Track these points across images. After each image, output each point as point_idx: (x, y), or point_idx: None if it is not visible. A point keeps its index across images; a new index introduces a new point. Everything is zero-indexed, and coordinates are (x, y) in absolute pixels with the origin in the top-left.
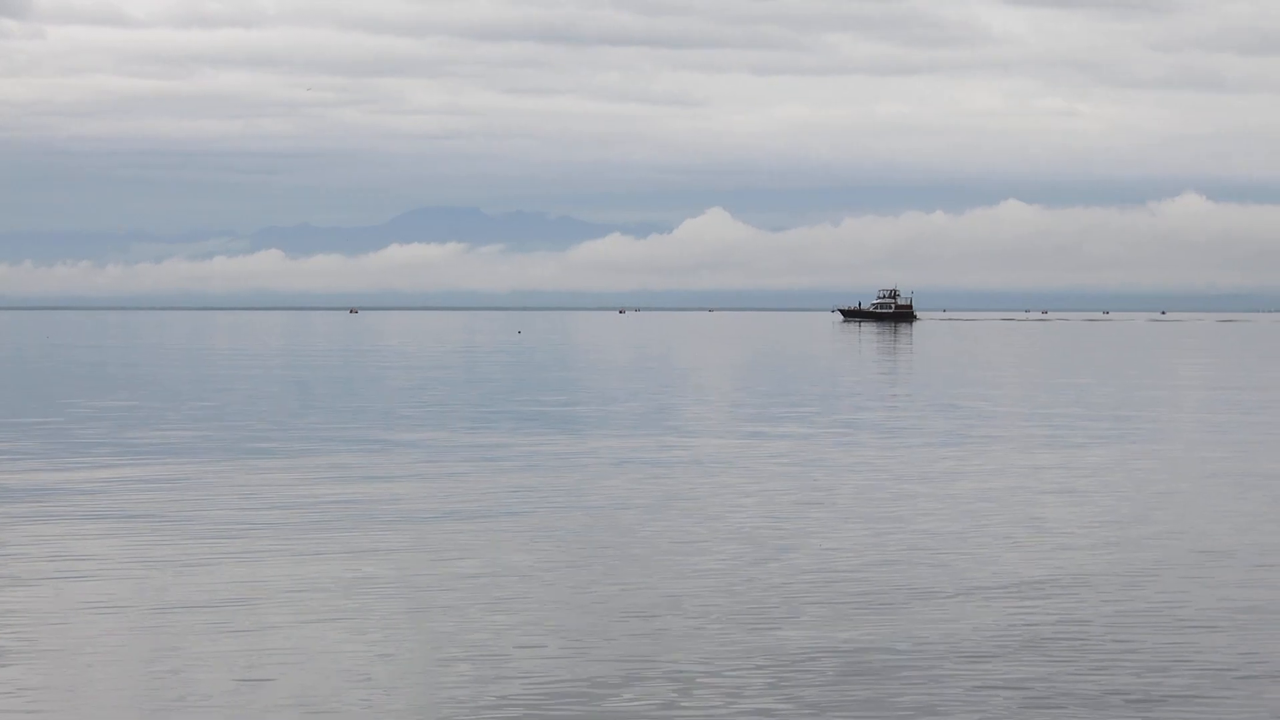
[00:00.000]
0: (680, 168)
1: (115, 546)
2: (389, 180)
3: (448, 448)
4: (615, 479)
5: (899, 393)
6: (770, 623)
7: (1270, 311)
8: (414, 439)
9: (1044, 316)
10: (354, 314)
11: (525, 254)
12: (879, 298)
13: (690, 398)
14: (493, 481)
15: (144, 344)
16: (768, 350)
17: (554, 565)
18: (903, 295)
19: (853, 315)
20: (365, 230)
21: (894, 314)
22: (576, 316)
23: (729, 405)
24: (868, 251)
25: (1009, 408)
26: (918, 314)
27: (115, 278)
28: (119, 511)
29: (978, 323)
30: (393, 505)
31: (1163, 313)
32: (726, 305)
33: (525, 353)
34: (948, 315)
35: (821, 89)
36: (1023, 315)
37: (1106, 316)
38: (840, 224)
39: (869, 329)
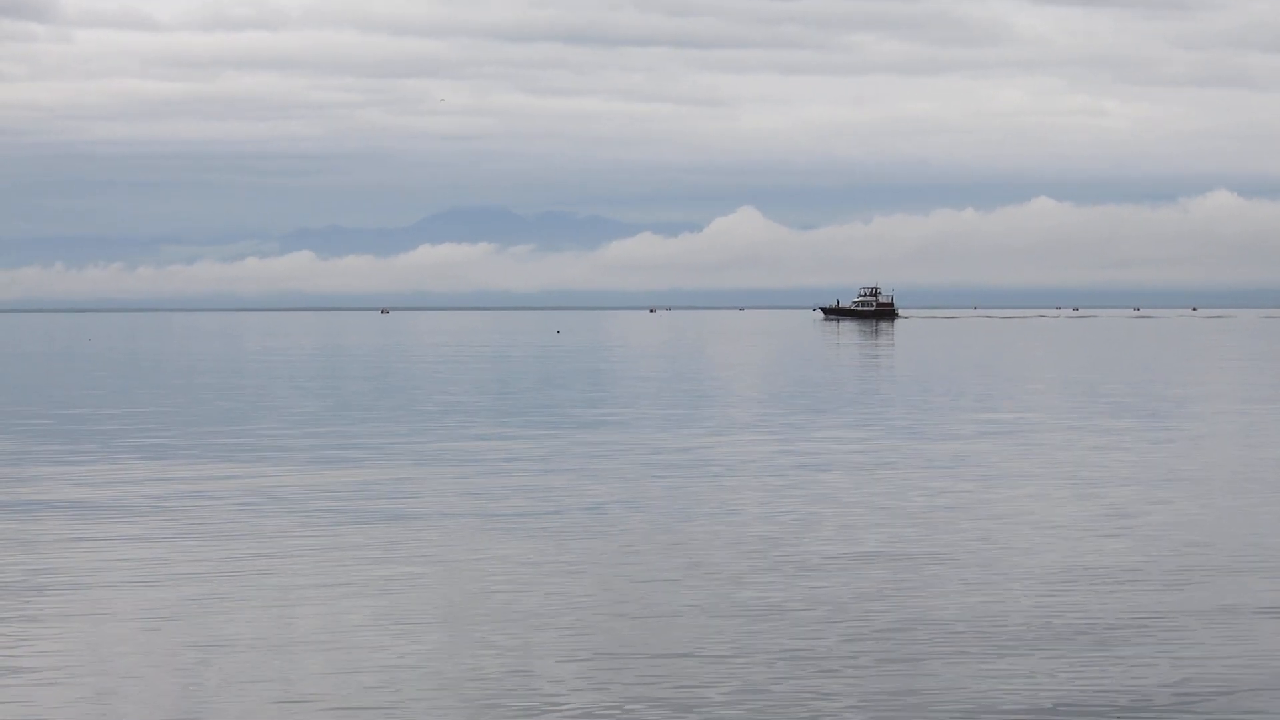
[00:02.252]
0: (709, 167)
1: (143, 550)
2: (418, 181)
3: (513, 452)
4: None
5: (862, 394)
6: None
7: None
8: (479, 443)
9: (1075, 314)
10: (385, 314)
11: (556, 253)
12: (860, 295)
13: (699, 397)
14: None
15: (191, 345)
16: (751, 349)
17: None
18: (884, 293)
19: (833, 313)
20: (395, 231)
21: (875, 312)
22: (608, 316)
23: (745, 405)
24: (898, 249)
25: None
26: (900, 311)
27: (146, 280)
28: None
29: (959, 320)
30: (444, 517)
31: (1194, 309)
32: (756, 304)
33: (573, 351)
34: (979, 312)
35: (848, 88)
36: (1054, 312)
37: (1138, 314)
38: (870, 222)
39: (849, 327)
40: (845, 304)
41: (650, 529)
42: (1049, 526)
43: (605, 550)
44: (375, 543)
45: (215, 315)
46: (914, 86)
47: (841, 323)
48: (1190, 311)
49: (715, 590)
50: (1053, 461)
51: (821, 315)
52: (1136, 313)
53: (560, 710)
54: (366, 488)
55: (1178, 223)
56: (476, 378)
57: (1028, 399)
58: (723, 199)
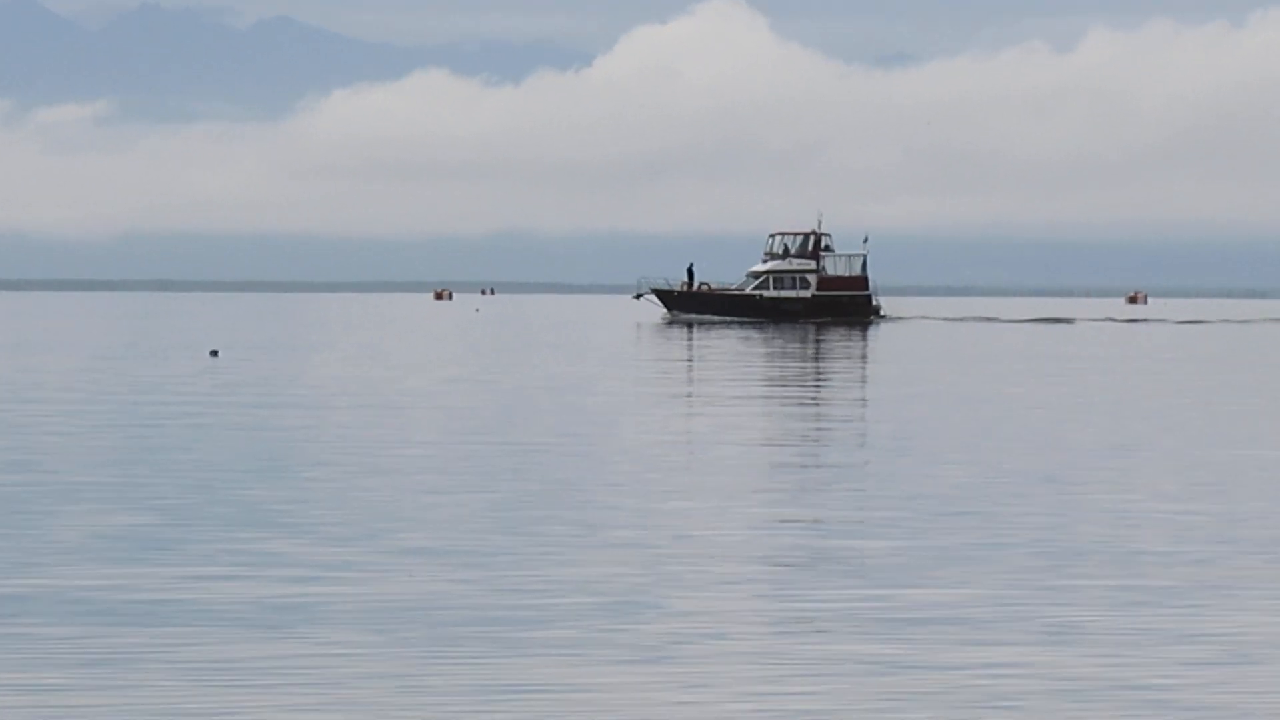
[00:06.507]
0: None
1: None
2: None
3: None
4: None
5: None
6: None
7: None
8: None
9: None
10: None
11: (150, 125)
12: (768, 254)
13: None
14: None
15: None
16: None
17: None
18: (832, 249)
19: (682, 304)
20: None
21: (811, 302)
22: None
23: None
24: None
25: None
26: (883, 306)
27: None
28: None
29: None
30: None
31: None
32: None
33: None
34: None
35: None
36: None
37: None
38: (1000, 52)
39: (727, 347)
40: (726, 280)
41: None
42: None
43: None
44: None
45: None
46: None
47: (698, 328)
48: None
49: None
50: None
51: (663, 310)
52: None
53: None
54: None
55: None
56: None
57: None
58: None
